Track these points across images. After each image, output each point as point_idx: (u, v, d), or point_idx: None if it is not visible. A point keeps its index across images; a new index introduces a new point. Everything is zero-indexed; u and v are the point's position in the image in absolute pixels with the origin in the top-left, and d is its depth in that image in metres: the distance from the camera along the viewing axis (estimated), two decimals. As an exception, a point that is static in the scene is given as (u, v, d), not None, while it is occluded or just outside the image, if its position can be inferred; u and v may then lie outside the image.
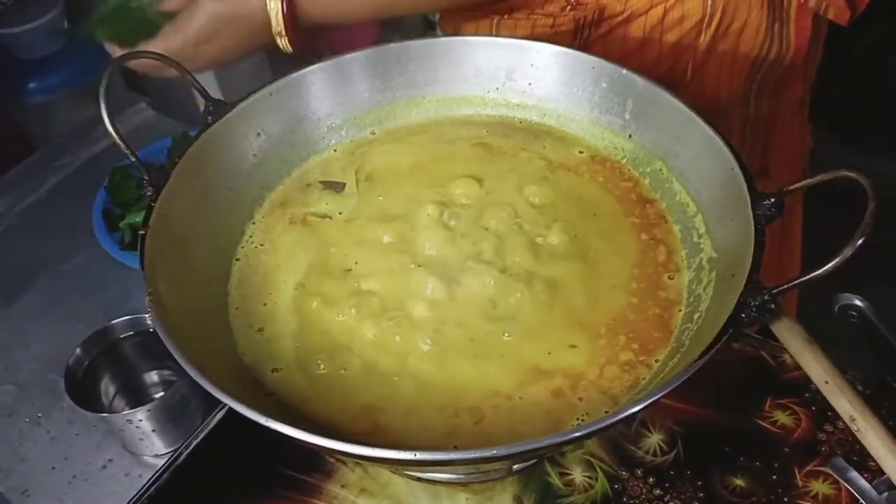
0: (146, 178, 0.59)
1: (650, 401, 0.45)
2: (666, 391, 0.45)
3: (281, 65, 1.09)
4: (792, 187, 0.53)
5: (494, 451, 0.43)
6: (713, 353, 0.46)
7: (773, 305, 0.48)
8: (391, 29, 2.31)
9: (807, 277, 0.47)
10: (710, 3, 0.79)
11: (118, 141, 0.58)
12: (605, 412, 0.53)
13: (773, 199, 0.53)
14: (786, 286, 0.48)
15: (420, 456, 0.43)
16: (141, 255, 0.55)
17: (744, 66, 0.84)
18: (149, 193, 0.59)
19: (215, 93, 0.66)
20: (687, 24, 0.81)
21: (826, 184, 0.52)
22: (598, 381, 0.55)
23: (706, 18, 0.80)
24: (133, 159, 0.59)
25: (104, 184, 0.98)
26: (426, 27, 2.32)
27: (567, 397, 0.54)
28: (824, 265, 0.46)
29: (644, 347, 0.56)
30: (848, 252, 0.45)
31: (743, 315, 0.48)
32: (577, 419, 0.53)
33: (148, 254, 0.55)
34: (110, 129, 0.57)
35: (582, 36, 0.83)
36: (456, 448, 0.51)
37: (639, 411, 0.45)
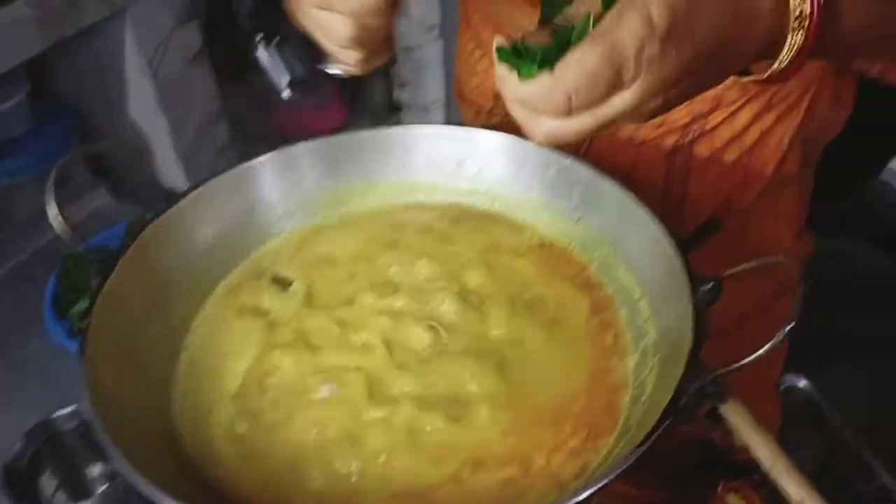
0: (93, 265, 0.59)
1: (596, 487, 0.45)
2: (612, 476, 0.46)
3: (245, 150, 1.10)
4: (729, 272, 0.55)
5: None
6: (654, 439, 0.47)
7: (712, 389, 0.49)
8: (358, 111, 2.36)
9: (743, 362, 0.48)
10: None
11: (60, 228, 0.58)
12: (553, 499, 0.52)
13: (710, 284, 0.55)
14: (723, 370, 0.49)
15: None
16: (82, 344, 0.54)
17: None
18: (94, 282, 0.58)
19: (180, 176, 0.67)
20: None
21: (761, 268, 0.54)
22: (547, 467, 0.54)
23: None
24: (78, 247, 0.59)
25: (56, 272, 0.97)
26: (391, 109, 2.38)
27: (517, 484, 0.54)
28: (757, 350, 0.47)
29: (592, 433, 0.56)
30: (779, 337, 0.46)
31: (683, 400, 0.49)
32: (526, 508, 0.52)
33: (90, 343, 0.55)
34: (52, 217, 0.58)
35: (692, 129, 0.76)
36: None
37: (586, 497, 0.45)
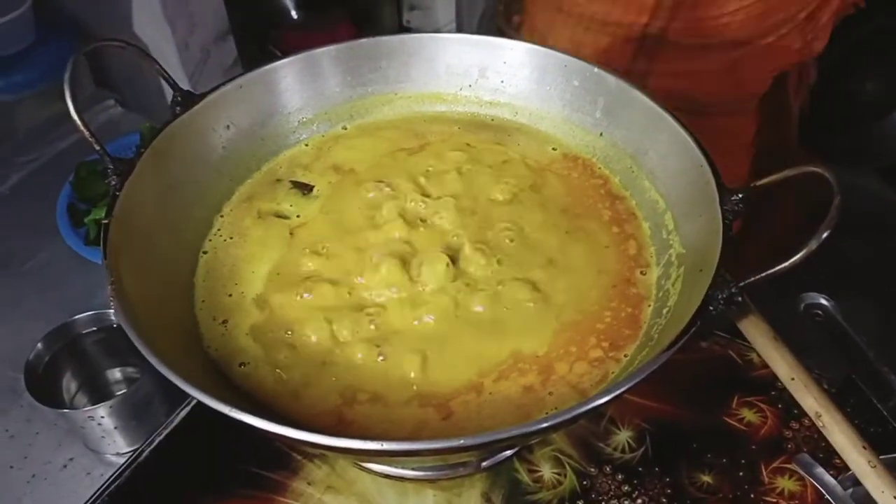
0: (110, 167, 0.58)
1: (616, 393, 0.45)
2: (633, 383, 0.45)
3: (253, 62, 1.07)
4: (759, 182, 0.53)
5: (462, 441, 0.42)
6: (681, 344, 0.46)
7: (739, 298, 0.48)
8: (367, 35, 2.31)
9: (773, 270, 0.47)
10: None
11: (81, 126, 0.57)
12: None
13: (740, 195, 0.54)
14: (752, 279, 0.48)
15: (386, 446, 0.42)
16: (103, 244, 0.54)
17: None
18: (113, 183, 0.57)
19: (185, 87, 0.65)
20: None
21: (793, 179, 0.52)
22: (568, 376, 0.55)
23: None
24: (97, 147, 0.58)
25: (69, 179, 0.96)
26: (401, 32, 2.32)
27: (537, 392, 0.54)
28: (790, 258, 0.46)
29: (614, 344, 0.56)
30: (813, 245, 0.45)
31: (710, 308, 0.48)
32: (547, 413, 0.52)
33: (111, 244, 0.54)
34: (74, 115, 0.56)
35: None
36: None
37: (605, 403, 0.45)
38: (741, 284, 0.48)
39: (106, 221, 0.55)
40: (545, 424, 0.44)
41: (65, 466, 0.76)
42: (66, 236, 0.91)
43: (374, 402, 0.53)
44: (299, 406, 0.54)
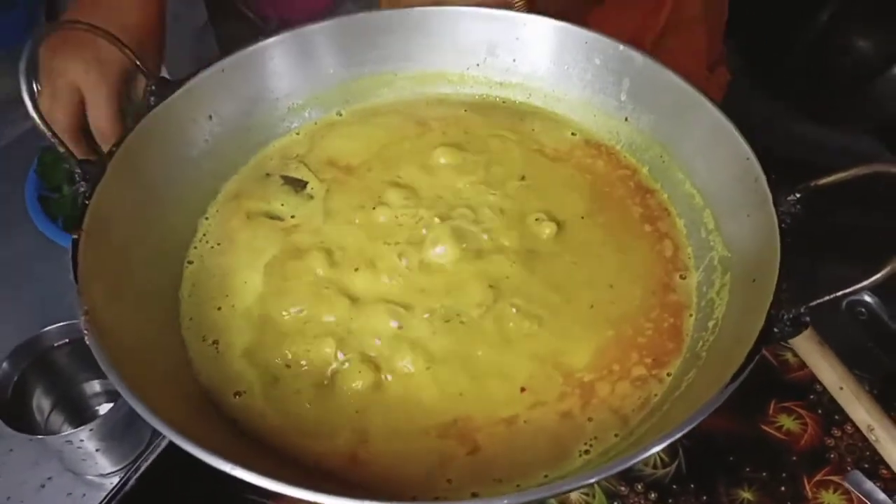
0: (78, 171, 0.50)
1: (671, 439, 0.39)
2: (691, 425, 0.40)
3: (226, 32, 0.97)
4: (821, 182, 0.47)
5: None
6: (745, 375, 0.41)
7: (807, 319, 0.43)
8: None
9: (849, 290, 0.41)
10: None
11: (41, 126, 0.49)
12: (616, 435, 0.47)
13: (798, 195, 0.48)
14: (827, 297, 0.42)
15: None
16: (74, 264, 0.46)
17: None
18: (82, 189, 0.50)
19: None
20: None
21: (860, 179, 0.46)
22: (610, 399, 0.49)
23: None
24: (62, 150, 0.50)
25: (33, 167, 0.87)
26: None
27: (575, 419, 0.48)
28: (871, 276, 0.40)
29: (657, 360, 0.50)
30: (899, 261, 0.40)
31: (776, 330, 0.43)
32: (586, 443, 0.47)
33: (83, 262, 0.47)
34: (32, 112, 0.49)
35: None
36: (449, 482, 0.45)
37: (655, 452, 0.40)
38: (811, 304, 0.42)
39: (76, 236, 0.48)
40: (590, 480, 0.39)
41: (42, 486, 0.70)
42: (43, 229, 0.82)
43: (390, 436, 0.47)
44: (306, 443, 0.48)
